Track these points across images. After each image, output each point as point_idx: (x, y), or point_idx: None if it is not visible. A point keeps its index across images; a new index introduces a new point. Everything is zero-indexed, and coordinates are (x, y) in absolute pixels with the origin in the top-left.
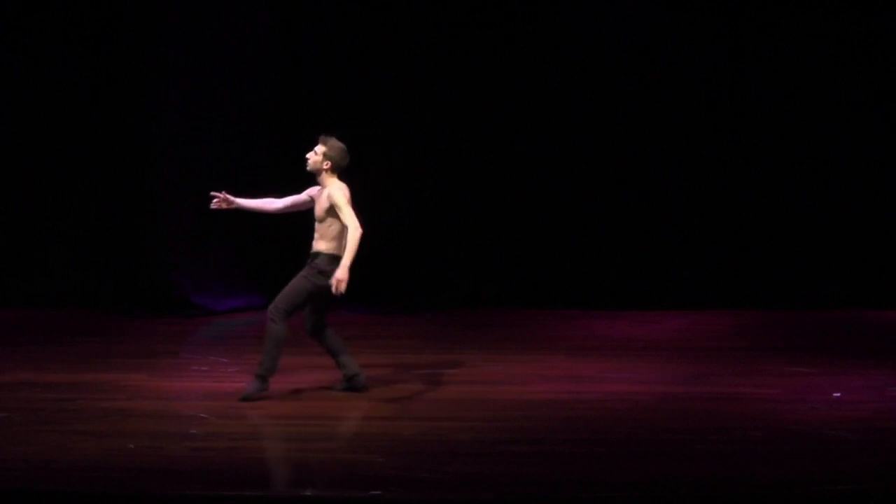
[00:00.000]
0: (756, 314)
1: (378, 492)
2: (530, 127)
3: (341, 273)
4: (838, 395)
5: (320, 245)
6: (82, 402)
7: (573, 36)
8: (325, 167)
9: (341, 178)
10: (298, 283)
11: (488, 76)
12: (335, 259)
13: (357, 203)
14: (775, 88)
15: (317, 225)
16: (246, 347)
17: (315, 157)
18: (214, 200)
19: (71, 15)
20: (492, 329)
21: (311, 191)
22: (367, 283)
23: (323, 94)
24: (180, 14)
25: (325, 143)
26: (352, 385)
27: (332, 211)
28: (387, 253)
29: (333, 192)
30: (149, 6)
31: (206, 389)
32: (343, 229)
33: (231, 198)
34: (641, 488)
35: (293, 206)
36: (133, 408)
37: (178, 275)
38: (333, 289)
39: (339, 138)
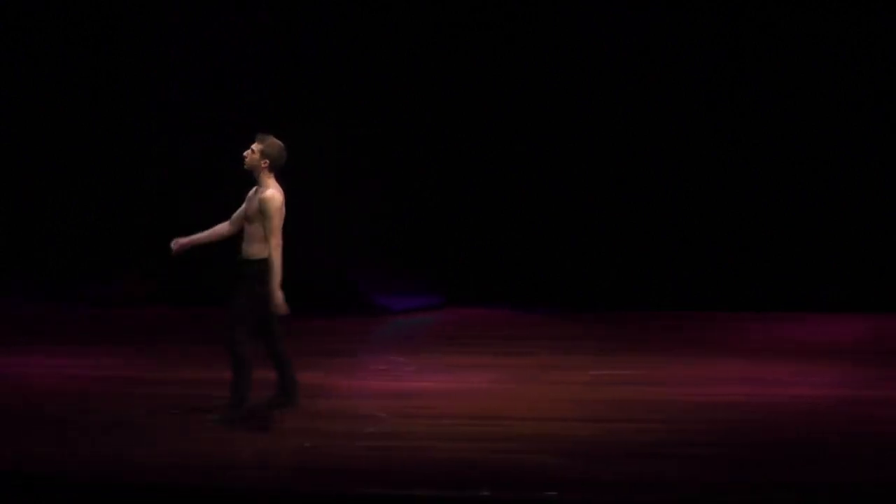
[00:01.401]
0: None
1: (554, 493)
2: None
3: (277, 300)
4: None
5: (251, 249)
6: (261, 399)
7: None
8: (262, 165)
9: (278, 178)
10: (241, 302)
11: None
12: (267, 262)
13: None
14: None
15: (246, 226)
16: (423, 346)
17: (252, 154)
18: (174, 249)
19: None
20: (668, 331)
21: (249, 194)
22: (537, 283)
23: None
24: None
25: (262, 142)
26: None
27: (260, 215)
28: (557, 252)
29: (265, 199)
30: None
31: (383, 389)
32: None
33: (182, 241)
34: (821, 491)
35: (240, 219)
36: (310, 406)
37: (356, 274)
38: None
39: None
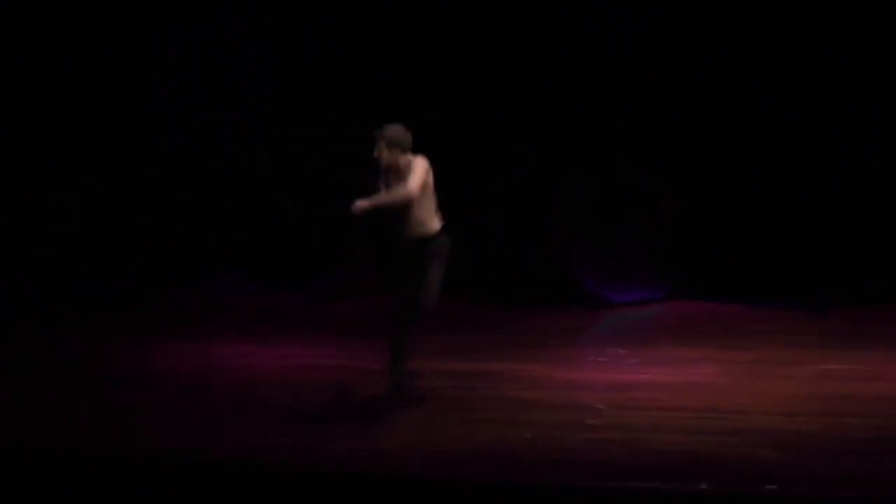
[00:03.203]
0: None
1: (774, 486)
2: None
3: (362, 203)
4: None
5: (432, 225)
6: (483, 391)
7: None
8: (396, 155)
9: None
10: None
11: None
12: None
13: None
14: None
15: (418, 204)
16: (645, 339)
17: (382, 153)
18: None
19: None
20: (888, 325)
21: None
22: (761, 278)
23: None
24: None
25: (383, 136)
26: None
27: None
28: (781, 247)
29: (414, 162)
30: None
31: (604, 381)
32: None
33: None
34: None
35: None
36: (531, 398)
37: (580, 266)
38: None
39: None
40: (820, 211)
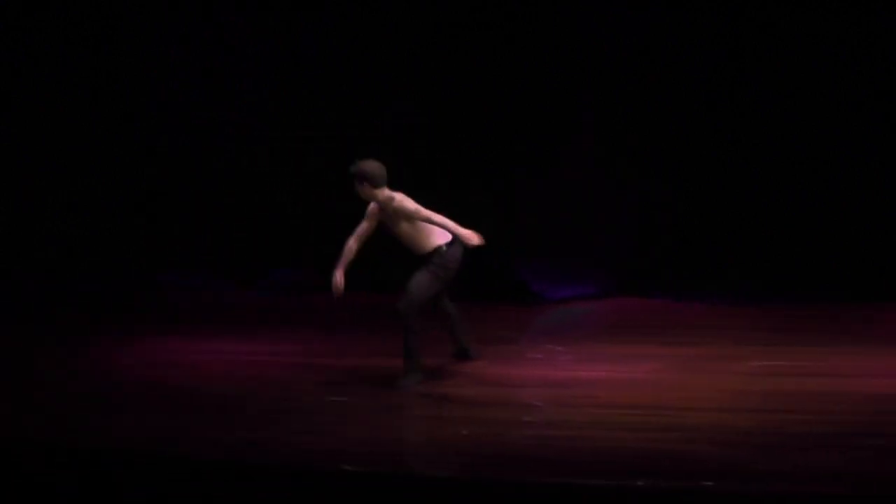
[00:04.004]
0: None
1: (710, 482)
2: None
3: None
4: None
5: (423, 246)
6: (422, 387)
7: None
8: (373, 189)
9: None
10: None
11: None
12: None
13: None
14: None
15: (400, 233)
16: (582, 335)
17: (361, 187)
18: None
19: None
20: (829, 322)
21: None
22: (698, 274)
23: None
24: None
25: (356, 172)
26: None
27: (406, 217)
28: (719, 242)
29: (397, 205)
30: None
31: (541, 378)
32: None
33: (338, 279)
34: None
35: (365, 235)
36: (469, 395)
37: (519, 262)
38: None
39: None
40: (760, 206)
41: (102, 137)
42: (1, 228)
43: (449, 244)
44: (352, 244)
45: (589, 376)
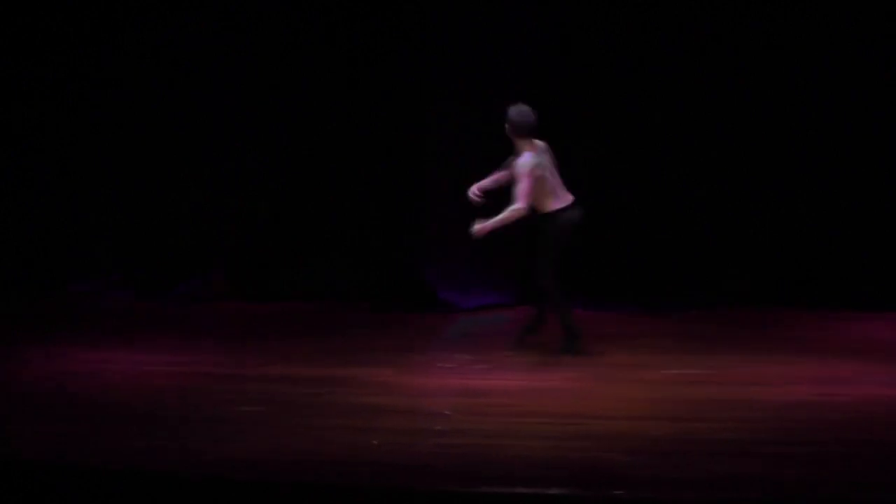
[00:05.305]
0: None
1: (621, 491)
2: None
3: (481, 226)
4: None
5: (541, 206)
6: (331, 396)
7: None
8: (510, 132)
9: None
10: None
11: None
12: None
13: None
14: None
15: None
16: (495, 344)
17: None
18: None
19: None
20: (742, 329)
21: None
22: (615, 282)
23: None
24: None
25: (509, 111)
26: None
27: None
28: (630, 250)
29: (519, 162)
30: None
31: (453, 387)
32: (546, 190)
33: (477, 188)
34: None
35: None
36: (380, 404)
37: (429, 270)
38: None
39: None
40: (676, 214)
41: (10, 146)
42: None
43: (562, 210)
44: (494, 177)
45: (501, 385)
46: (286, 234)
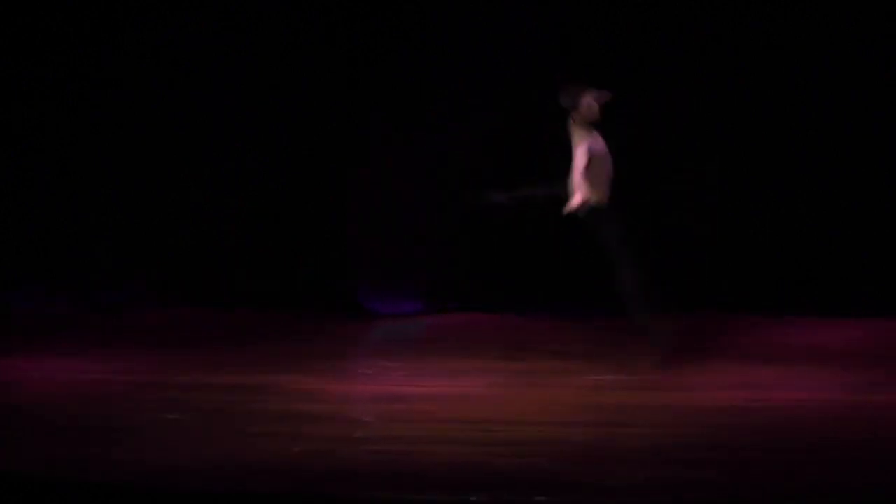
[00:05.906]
0: None
1: (542, 497)
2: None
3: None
4: None
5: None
6: (253, 404)
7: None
8: (573, 118)
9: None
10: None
11: None
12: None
13: None
14: None
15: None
16: (415, 350)
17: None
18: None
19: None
20: (677, 336)
21: None
22: (534, 289)
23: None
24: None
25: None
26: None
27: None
28: (555, 256)
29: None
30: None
31: (373, 393)
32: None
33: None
34: (822, 495)
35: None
36: (300, 410)
37: (350, 276)
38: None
39: None
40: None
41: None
42: None
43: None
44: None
45: (422, 391)
46: (208, 240)
